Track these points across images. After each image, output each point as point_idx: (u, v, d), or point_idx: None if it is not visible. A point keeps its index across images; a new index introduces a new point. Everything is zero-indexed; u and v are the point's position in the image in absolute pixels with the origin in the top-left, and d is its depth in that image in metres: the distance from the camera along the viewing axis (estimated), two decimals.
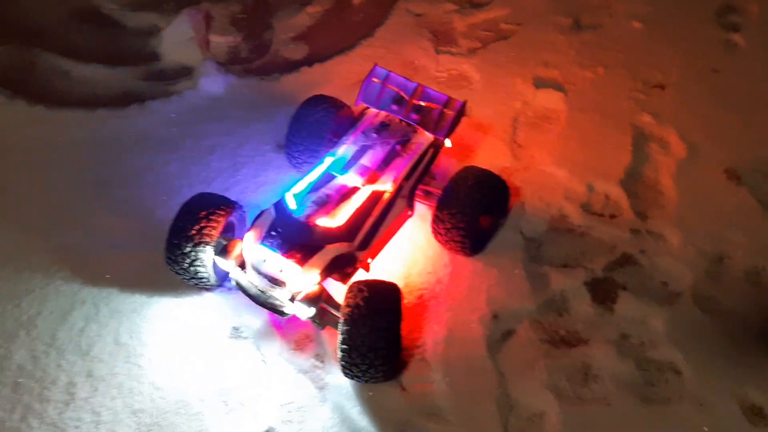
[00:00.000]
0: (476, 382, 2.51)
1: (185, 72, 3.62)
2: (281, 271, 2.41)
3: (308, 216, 2.49)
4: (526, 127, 3.34)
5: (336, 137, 2.86)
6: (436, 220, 2.72)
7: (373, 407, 2.46)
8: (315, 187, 2.61)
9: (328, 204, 2.55)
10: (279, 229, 2.46)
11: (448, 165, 3.04)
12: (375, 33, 3.80)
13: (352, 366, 2.34)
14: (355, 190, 2.61)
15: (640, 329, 2.65)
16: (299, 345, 2.62)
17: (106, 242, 2.90)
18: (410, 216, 2.84)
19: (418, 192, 2.81)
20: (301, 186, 2.62)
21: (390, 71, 2.89)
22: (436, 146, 2.82)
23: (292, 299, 2.40)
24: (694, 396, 2.46)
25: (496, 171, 2.87)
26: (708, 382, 2.50)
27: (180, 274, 2.61)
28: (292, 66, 3.64)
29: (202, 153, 3.25)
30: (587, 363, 2.56)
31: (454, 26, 3.85)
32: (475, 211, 2.67)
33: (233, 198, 2.69)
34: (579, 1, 3.93)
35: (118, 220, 2.98)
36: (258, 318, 2.67)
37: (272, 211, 2.52)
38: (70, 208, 3.01)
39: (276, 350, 2.60)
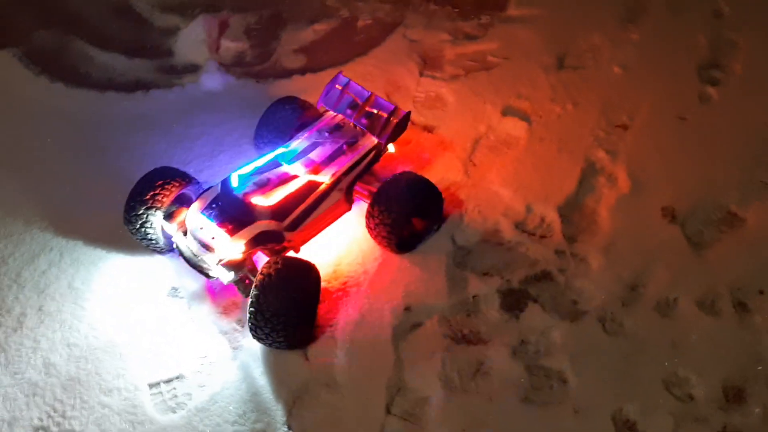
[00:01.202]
0: (374, 363, 2.73)
1: (192, 69, 4.04)
2: (213, 238, 2.71)
3: (245, 194, 2.79)
4: (484, 149, 3.56)
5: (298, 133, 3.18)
6: (368, 216, 2.97)
7: (275, 371, 2.71)
8: (260, 170, 2.92)
9: (267, 186, 2.85)
10: (219, 203, 2.77)
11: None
12: (369, 52, 4.11)
13: (256, 328, 2.60)
14: (294, 177, 2.90)
15: (539, 338, 2.81)
16: (226, 310, 2.90)
17: (85, 201, 3.29)
18: (348, 210, 3.10)
19: (358, 189, 3.08)
20: (248, 168, 2.93)
21: (350, 80, 3.19)
22: (379, 150, 3.09)
23: (218, 264, 2.70)
24: (573, 403, 2.60)
25: (445, 184, 3.14)
26: (590, 393, 2.64)
27: (134, 234, 2.96)
28: (287, 73, 4.00)
29: (188, 138, 3.63)
30: (481, 360, 2.74)
31: (444, 54, 4.12)
32: (402, 211, 2.90)
33: (205, 179, 3.03)
34: (570, 43, 4.13)
35: (101, 185, 3.36)
36: (196, 282, 2.97)
37: (218, 187, 2.84)
38: (64, 169, 3.43)
39: (205, 312, 2.89)
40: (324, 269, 2.98)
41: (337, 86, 3.20)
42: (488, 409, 2.61)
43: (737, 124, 3.66)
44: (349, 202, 3.06)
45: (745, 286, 2.95)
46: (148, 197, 2.87)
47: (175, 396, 2.65)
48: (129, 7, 4.45)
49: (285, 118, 3.25)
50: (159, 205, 2.89)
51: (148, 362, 2.74)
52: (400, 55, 4.09)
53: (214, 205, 2.77)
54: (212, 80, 3.89)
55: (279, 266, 2.62)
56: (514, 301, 2.93)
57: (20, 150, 3.54)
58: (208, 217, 2.74)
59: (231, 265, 2.70)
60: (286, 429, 2.56)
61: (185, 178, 2.99)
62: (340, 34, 4.29)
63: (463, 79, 3.94)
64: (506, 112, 3.73)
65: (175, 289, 2.97)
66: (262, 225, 2.75)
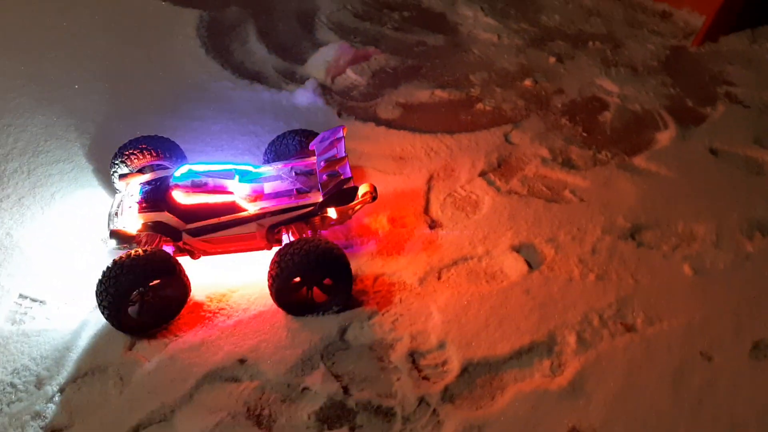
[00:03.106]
0: (167, 387, 2.72)
1: (301, 81, 4.31)
2: (129, 207, 2.97)
3: (175, 185, 2.98)
4: (464, 271, 3.21)
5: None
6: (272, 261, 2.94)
7: (98, 341, 2.87)
8: (211, 173, 3.07)
9: (198, 188, 3.00)
10: (156, 184, 3.02)
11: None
12: (457, 134, 3.95)
13: (95, 294, 2.79)
14: (227, 192, 3.00)
15: None
16: None
17: (101, 132, 3.76)
18: (266, 249, 3.08)
19: (288, 235, 3.05)
20: (204, 167, 3.11)
21: (344, 137, 3.16)
22: (316, 208, 3.01)
23: (116, 228, 2.95)
24: None
25: (392, 278, 3.07)
26: None
27: (111, 177, 3.35)
28: (371, 119, 4.04)
29: (216, 126, 3.91)
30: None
31: (524, 167, 3.79)
32: (286, 273, 2.81)
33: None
34: (663, 218, 3.47)
35: (127, 127, 3.81)
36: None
37: (171, 171, 3.08)
38: (129, 107, 3.97)
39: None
40: (214, 289, 3.03)
41: (332, 136, 3.19)
42: None
43: None
44: (269, 241, 3.05)
45: None
46: (125, 153, 3.22)
47: (24, 314, 2.96)
48: (310, 15, 4.87)
49: (288, 147, 3.34)
50: (128, 163, 3.23)
51: (36, 277, 3.09)
52: (481, 148, 3.86)
53: (151, 183, 3.01)
54: (303, 96, 4.11)
55: (137, 255, 2.76)
56: (333, 417, 2.65)
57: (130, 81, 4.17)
58: (140, 190, 2.99)
59: (122, 235, 2.91)
60: (58, 393, 2.70)
61: (166, 150, 3.26)
62: (451, 107, 4.18)
63: (515, 199, 3.57)
64: (520, 248, 3.30)
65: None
66: (165, 217, 2.91)
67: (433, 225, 3.41)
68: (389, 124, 3.98)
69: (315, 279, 2.87)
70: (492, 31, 4.81)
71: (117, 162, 3.23)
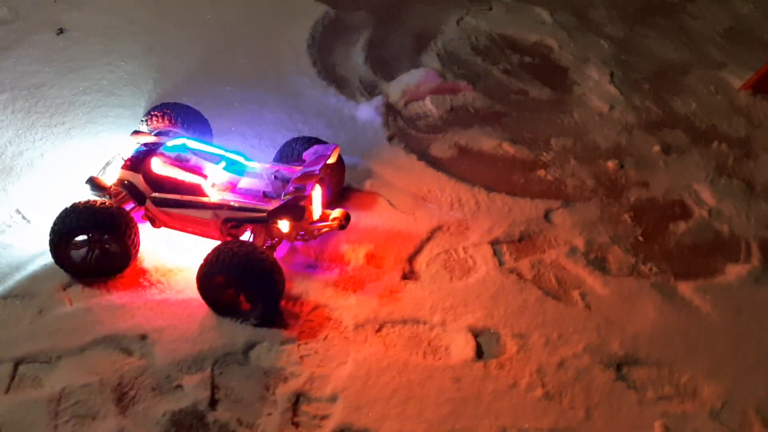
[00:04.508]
0: (77, 329, 2.82)
1: (376, 94, 4.23)
2: (115, 158, 3.15)
3: (160, 154, 3.09)
4: (399, 327, 2.96)
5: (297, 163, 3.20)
6: None
7: (41, 270, 3.05)
8: (201, 153, 3.14)
9: (178, 162, 3.07)
10: (149, 148, 3.15)
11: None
12: (494, 190, 3.63)
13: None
14: (202, 176, 3.04)
15: None
16: None
17: (171, 92, 3.96)
18: (219, 239, 3.06)
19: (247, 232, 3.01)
20: (198, 145, 3.18)
21: (328, 156, 3.03)
22: (266, 215, 2.92)
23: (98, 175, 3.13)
24: None
25: (331, 314, 2.93)
26: None
27: None
28: (415, 151, 3.85)
29: (270, 116, 3.97)
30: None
31: (538, 244, 3.38)
32: (210, 264, 2.78)
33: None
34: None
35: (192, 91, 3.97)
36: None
37: (167, 140, 3.20)
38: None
39: None
40: (165, 262, 3.10)
41: (323, 152, 3.09)
42: None
43: None
44: (222, 233, 3.02)
45: None
46: (151, 114, 3.41)
47: (9, 226, 3.23)
48: (429, 35, 4.76)
49: (293, 151, 3.30)
50: (149, 123, 3.40)
51: (38, 199, 3.37)
52: (511, 216, 3.50)
53: (147, 146, 3.15)
54: (364, 111, 4.03)
55: (93, 205, 2.89)
56: (186, 424, 2.57)
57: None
58: (136, 149, 3.15)
59: (97, 184, 3.07)
60: None
61: (190, 125, 3.38)
62: (510, 164, 3.86)
63: (512, 280, 3.19)
64: (481, 332, 2.94)
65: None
66: (137, 179, 3.03)
67: (408, 276, 3.15)
68: (432, 162, 3.75)
69: (238, 284, 2.78)
70: (607, 101, 4.33)
71: (143, 120, 3.40)
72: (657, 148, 4.02)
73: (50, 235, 2.87)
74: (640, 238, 3.45)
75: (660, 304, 3.11)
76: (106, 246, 2.92)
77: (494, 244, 3.33)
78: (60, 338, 2.78)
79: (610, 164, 3.87)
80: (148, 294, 2.98)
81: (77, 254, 2.94)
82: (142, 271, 3.06)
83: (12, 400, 2.59)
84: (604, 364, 2.84)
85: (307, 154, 3.09)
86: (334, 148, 3.05)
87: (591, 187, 3.71)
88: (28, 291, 2.96)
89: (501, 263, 3.25)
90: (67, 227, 2.84)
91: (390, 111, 4.07)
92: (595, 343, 2.91)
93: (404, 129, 4.00)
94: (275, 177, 3.04)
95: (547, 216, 3.51)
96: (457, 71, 4.50)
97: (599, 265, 3.28)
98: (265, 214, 2.87)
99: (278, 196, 2.95)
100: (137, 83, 4.12)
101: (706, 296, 3.14)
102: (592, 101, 4.36)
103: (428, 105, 4.17)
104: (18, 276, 3.01)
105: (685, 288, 3.20)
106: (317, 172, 2.91)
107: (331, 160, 3.05)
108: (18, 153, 3.61)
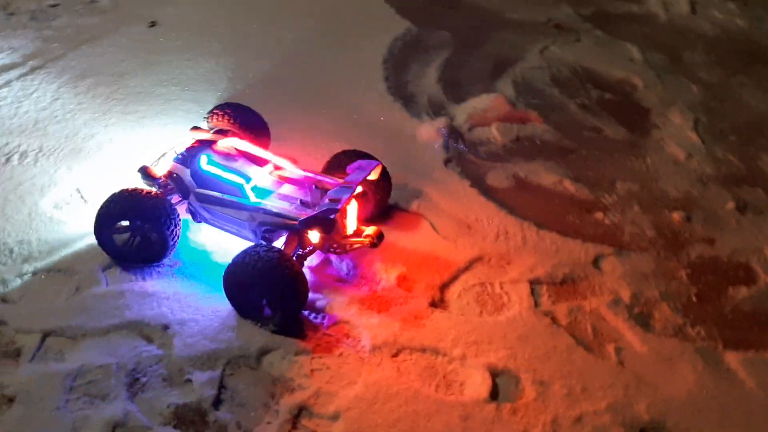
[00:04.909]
0: (106, 311, 2.93)
1: (442, 113, 4.19)
2: (173, 153, 3.26)
3: (210, 152, 3.17)
4: (411, 361, 2.90)
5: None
6: None
7: (86, 248, 3.19)
8: (248, 154, 3.21)
9: (226, 162, 3.16)
10: (202, 144, 3.25)
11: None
12: (544, 227, 3.51)
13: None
14: (244, 176, 3.10)
15: None
16: None
17: (243, 93, 4.05)
18: (252, 241, 3.10)
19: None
20: (248, 147, 3.25)
21: (368, 173, 3.02)
22: (297, 224, 2.93)
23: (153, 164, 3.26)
24: None
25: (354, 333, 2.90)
26: None
27: None
28: (470, 177, 3.77)
29: (330, 126, 4.03)
30: None
31: (580, 290, 3.23)
32: (235, 265, 2.82)
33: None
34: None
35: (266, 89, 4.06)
36: None
37: (221, 139, 3.28)
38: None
39: None
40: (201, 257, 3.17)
41: (366, 167, 3.08)
42: None
43: None
44: (256, 236, 3.06)
45: None
46: (213, 111, 3.52)
47: (67, 204, 3.41)
48: (510, 61, 4.69)
49: (340, 163, 3.31)
50: (209, 120, 3.52)
51: (99, 181, 3.53)
52: (557, 256, 3.35)
53: (199, 142, 3.26)
54: (424, 131, 4.00)
55: (139, 193, 3.00)
56: (187, 419, 2.60)
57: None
58: (190, 144, 3.26)
59: (148, 173, 3.20)
60: (30, 273, 3.08)
61: (247, 127, 3.46)
62: (568, 203, 3.71)
63: (545, 324, 3.05)
64: (501, 373, 2.83)
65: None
66: (184, 173, 3.13)
67: (437, 304, 3.08)
68: (485, 190, 3.66)
69: (260, 288, 2.80)
70: (685, 148, 4.09)
71: (205, 117, 3.50)
72: (731, 204, 3.75)
73: (96, 217, 2.99)
74: (694, 299, 3.22)
75: (701, 370, 2.88)
76: (147, 234, 3.00)
77: (534, 283, 3.20)
78: (89, 317, 2.88)
79: (676, 216, 3.64)
80: (179, 286, 3.04)
81: (119, 238, 3.04)
82: (178, 263, 3.12)
83: (33, 369, 2.70)
84: (625, 426, 2.66)
85: (351, 168, 3.08)
86: (377, 165, 3.02)
87: (650, 238, 3.51)
88: (70, 267, 3.09)
89: (537, 304, 3.11)
90: (111, 211, 2.95)
91: (452, 134, 4.01)
92: (620, 403, 2.73)
93: (464, 153, 3.93)
94: (315, 187, 3.05)
95: (596, 261, 3.34)
96: (531, 101, 4.38)
97: (642, 320, 3.09)
98: (296, 222, 2.87)
99: (314, 206, 2.95)
100: (212, 80, 4.25)
101: (754, 370, 2.89)
102: (670, 147, 4.13)
103: (493, 132, 4.08)
104: (64, 252, 3.15)
105: (732, 358, 2.96)
106: (354, 186, 2.89)
107: (372, 177, 3.02)
108: (90, 135, 3.79)
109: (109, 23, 4.72)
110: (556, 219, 3.57)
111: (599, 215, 3.63)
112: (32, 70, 4.29)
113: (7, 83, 4.16)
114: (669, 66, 4.85)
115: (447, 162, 3.82)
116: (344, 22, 4.92)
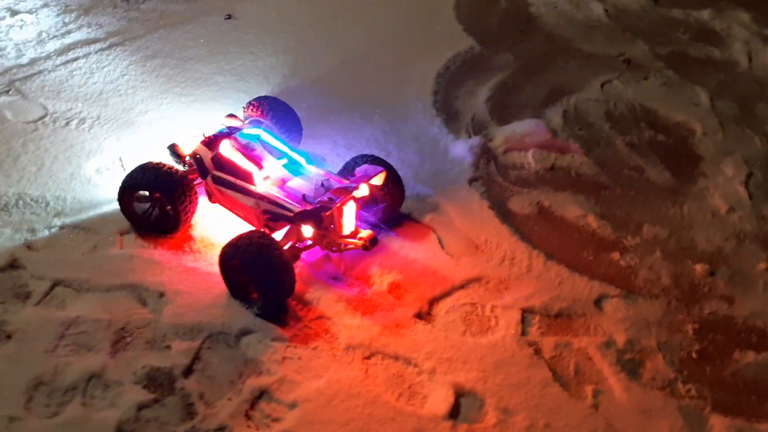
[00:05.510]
0: (112, 271, 3.17)
1: (483, 131, 4.22)
2: (201, 135, 3.48)
3: (233, 138, 3.35)
4: (380, 366, 2.95)
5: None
6: None
7: (111, 213, 3.45)
8: (267, 145, 3.37)
9: (244, 149, 3.33)
10: (229, 130, 3.44)
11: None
12: (555, 259, 3.47)
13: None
14: (257, 165, 3.26)
15: None
16: None
17: (295, 92, 4.24)
18: (256, 228, 3.25)
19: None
20: (270, 138, 3.41)
21: (372, 177, 3.10)
22: (292, 216, 3.05)
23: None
24: None
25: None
26: None
27: None
28: (491, 199, 3.77)
29: (369, 131, 4.13)
30: None
31: (574, 327, 3.17)
32: (229, 245, 2.98)
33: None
34: None
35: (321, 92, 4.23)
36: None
37: (246, 128, 3.46)
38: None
39: None
40: (213, 235, 3.38)
41: (371, 172, 3.16)
42: None
43: None
44: (259, 222, 3.21)
45: None
46: (249, 102, 3.73)
47: (108, 170, 3.70)
48: (566, 90, 4.66)
49: (355, 165, 3.41)
50: (244, 110, 3.72)
51: (142, 154, 3.80)
52: (559, 289, 3.30)
53: (229, 129, 3.45)
54: (458, 147, 4.03)
55: (161, 168, 3.23)
56: (156, 382, 2.78)
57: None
58: (219, 129, 3.46)
59: (175, 150, 3.43)
60: (57, 227, 3.37)
61: (279, 120, 3.64)
62: (586, 239, 3.64)
63: (526, 355, 3.02)
64: (467, 394, 2.83)
65: None
66: (207, 155, 3.32)
67: (423, 316, 3.11)
68: (503, 214, 3.65)
69: (247, 271, 2.93)
70: (729, 201, 3.91)
71: (243, 107, 3.70)
72: (763, 266, 3.55)
73: (121, 184, 3.22)
74: (694, 355, 3.08)
75: (679, 430, 2.75)
76: (164, 206, 3.21)
77: (526, 311, 3.17)
78: (97, 274, 3.12)
79: (699, 268, 3.49)
80: (183, 259, 3.22)
81: (139, 207, 3.27)
82: (189, 238, 3.33)
83: (35, 312, 2.95)
84: None
85: (358, 171, 3.16)
86: (381, 171, 3.09)
87: (664, 286, 3.38)
88: (92, 227, 3.35)
89: (524, 333, 3.09)
90: (133, 181, 3.18)
91: (485, 154, 4.01)
92: None
93: (492, 175, 3.92)
94: (321, 184, 3.15)
95: (598, 301, 3.26)
96: (576, 132, 4.31)
97: (631, 368, 2.99)
98: (292, 214, 2.99)
99: (314, 201, 3.06)
100: (268, 75, 4.46)
101: None
102: (713, 198, 3.95)
103: (529, 158, 4.05)
104: (92, 212, 3.42)
105: (718, 422, 2.81)
106: (352, 188, 2.98)
107: (375, 182, 3.09)
108: (143, 111, 4.08)
109: (191, 12, 5.03)
110: (569, 252, 3.50)
111: (615, 255, 3.53)
112: (111, 46, 4.65)
113: (86, 55, 4.54)
114: (737, 116, 4.62)
115: (472, 181, 3.83)
116: (410, 35, 5.01)
